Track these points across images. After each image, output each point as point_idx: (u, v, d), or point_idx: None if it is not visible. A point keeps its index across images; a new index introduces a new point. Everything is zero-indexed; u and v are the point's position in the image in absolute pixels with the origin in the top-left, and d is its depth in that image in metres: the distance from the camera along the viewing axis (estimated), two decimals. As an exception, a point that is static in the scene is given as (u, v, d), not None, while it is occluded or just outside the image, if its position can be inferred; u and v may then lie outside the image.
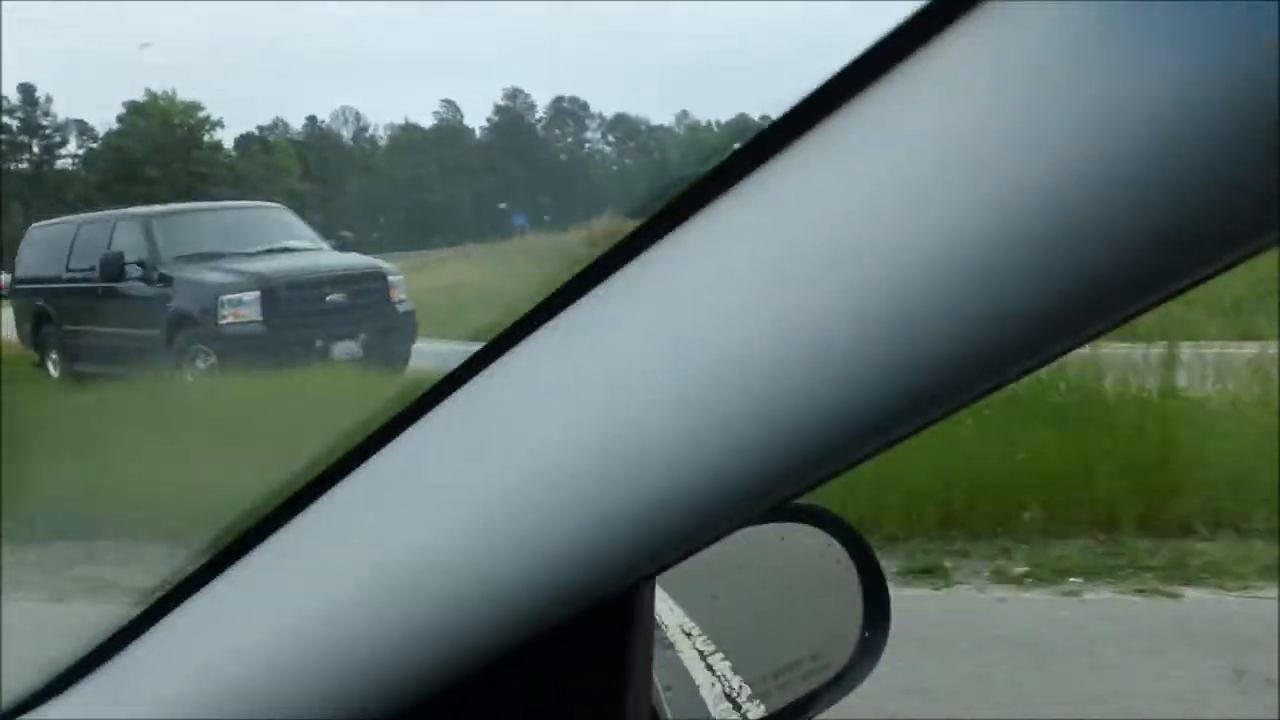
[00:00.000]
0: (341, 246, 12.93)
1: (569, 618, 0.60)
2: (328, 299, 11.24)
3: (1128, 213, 0.43)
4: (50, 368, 12.72)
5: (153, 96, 45.30)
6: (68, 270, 12.52)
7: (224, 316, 11.00)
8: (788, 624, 1.14)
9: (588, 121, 59.74)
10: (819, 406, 0.50)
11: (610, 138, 59.95)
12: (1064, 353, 0.50)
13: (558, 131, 60.40)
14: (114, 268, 11.69)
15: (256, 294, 11.04)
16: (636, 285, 0.56)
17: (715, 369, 0.52)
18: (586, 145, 60.08)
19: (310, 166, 51.02)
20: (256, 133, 52.26)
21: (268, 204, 14.11)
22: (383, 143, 57.94)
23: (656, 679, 0.98)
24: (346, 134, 58.25)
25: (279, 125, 55.10)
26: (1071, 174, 0.43)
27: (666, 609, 1.13)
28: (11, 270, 13.63)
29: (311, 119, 56.89)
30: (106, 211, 14.20)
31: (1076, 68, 0.43)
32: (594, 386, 0.56)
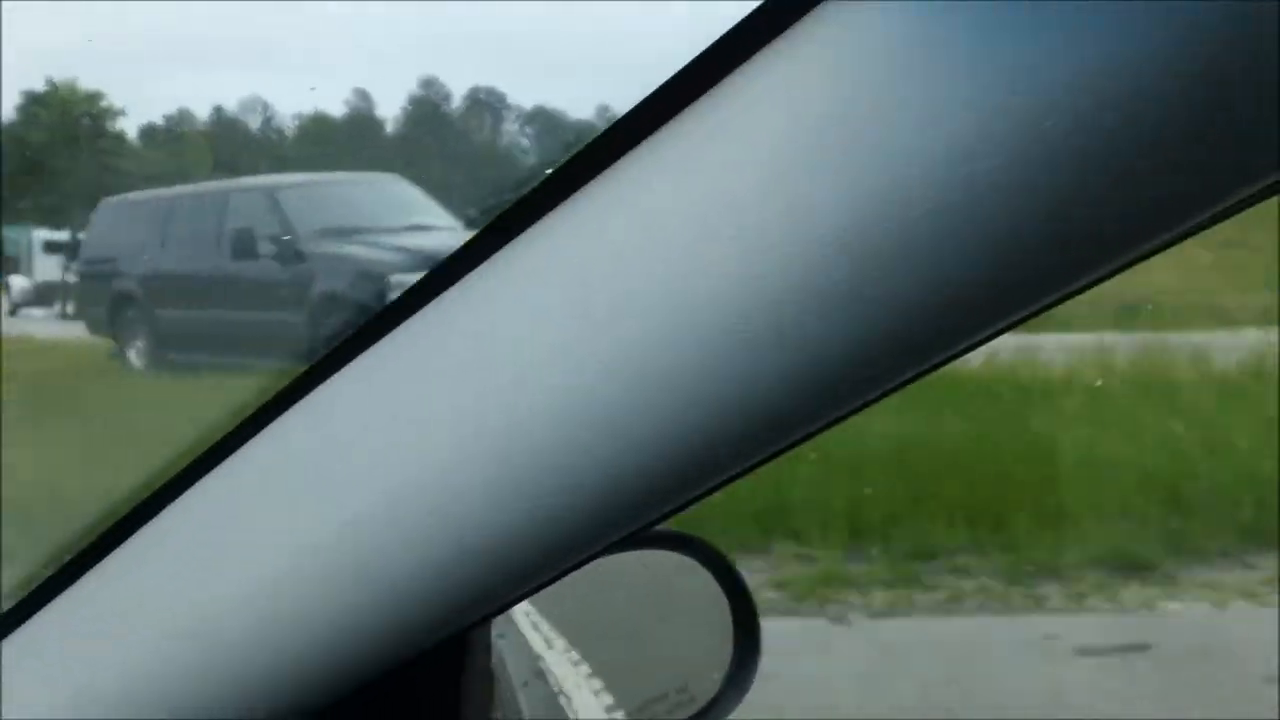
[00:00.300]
0: (471, 224, 11.96)
1: (392, 665, 0.57)
2: (498, 281, 10.26)
3: (970, 216, 0.41)
4: (132, 357, 11.45)
5: (53, 86, 43.28)
6: (164, 248, 11.25)
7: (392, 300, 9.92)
8: (658, 654, 1.13)
9: (505, 114, 59.01)
10: (659, 434, 0.46)
11: (529, 130, 59.36)
12: (924, 369, 0.46)
13: (474, 123, 59.68)
14: (246, 245, 10.52)
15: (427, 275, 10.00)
16: (463, 309, 0.53)
17: (541, 401, 0.48)
18: (505, 138, 59.46)
19: (218, 158, 49.43)
20: (162, 123, 50.49)
21: (387, 175, 12.99)
22: (291, 133, 56.48)
23: (526, 714, 1.07)
24: (254, 124, 56.58)
25: (183, 115, 53.19)
26: (912, 176, 0.41)
27: (541, 639, 1.17)
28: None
29: (218, 109, 55.13)
30: (210, 183, 13.01)
31: (911, 68, 0.42)
32: (411, 420, 0.52)
